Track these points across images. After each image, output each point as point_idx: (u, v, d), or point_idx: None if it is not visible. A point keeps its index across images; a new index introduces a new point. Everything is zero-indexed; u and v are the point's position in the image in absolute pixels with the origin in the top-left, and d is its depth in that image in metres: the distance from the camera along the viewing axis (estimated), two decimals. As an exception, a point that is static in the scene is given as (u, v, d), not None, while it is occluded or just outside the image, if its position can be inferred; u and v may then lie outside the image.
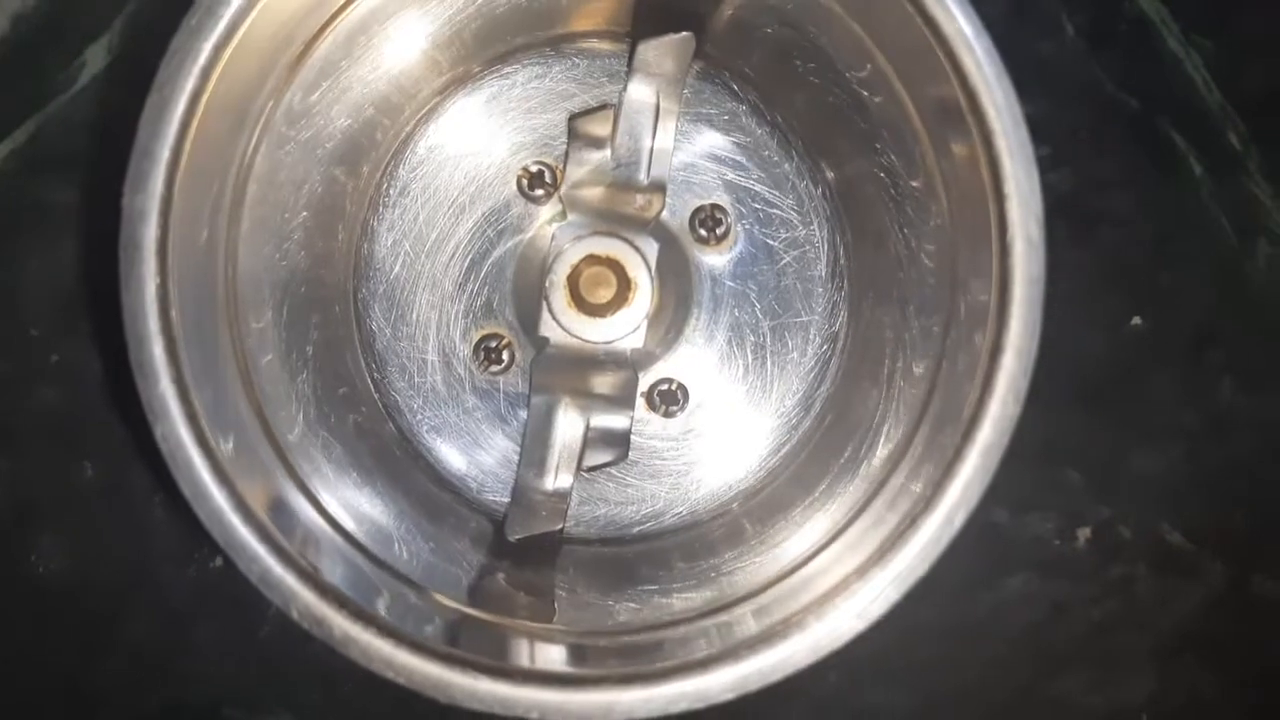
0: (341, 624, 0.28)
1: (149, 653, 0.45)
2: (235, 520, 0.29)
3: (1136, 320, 0.46)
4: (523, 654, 0.33)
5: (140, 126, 0.29)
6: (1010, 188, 0.29)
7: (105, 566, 0.45)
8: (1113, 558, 0.45)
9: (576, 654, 0.34)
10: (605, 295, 0.39)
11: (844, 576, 0.31)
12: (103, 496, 0.45)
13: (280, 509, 0.33)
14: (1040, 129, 0.45)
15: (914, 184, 0.36)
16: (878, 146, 0.37)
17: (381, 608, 0.31)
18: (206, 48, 0.29)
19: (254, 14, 0.30)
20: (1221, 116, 0.45)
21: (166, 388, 0.29)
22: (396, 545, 0.37)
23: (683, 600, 0.37)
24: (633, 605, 0.38)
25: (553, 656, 0.33)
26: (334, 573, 0.31)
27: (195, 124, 0.30)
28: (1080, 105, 0.45)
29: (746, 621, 0.32)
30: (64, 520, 0.45)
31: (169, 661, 0.45)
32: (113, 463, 0.45)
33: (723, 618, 0.34)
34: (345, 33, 0.35)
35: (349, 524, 0.35)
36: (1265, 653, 0.46)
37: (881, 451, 0.36)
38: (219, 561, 0.44)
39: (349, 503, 0.36)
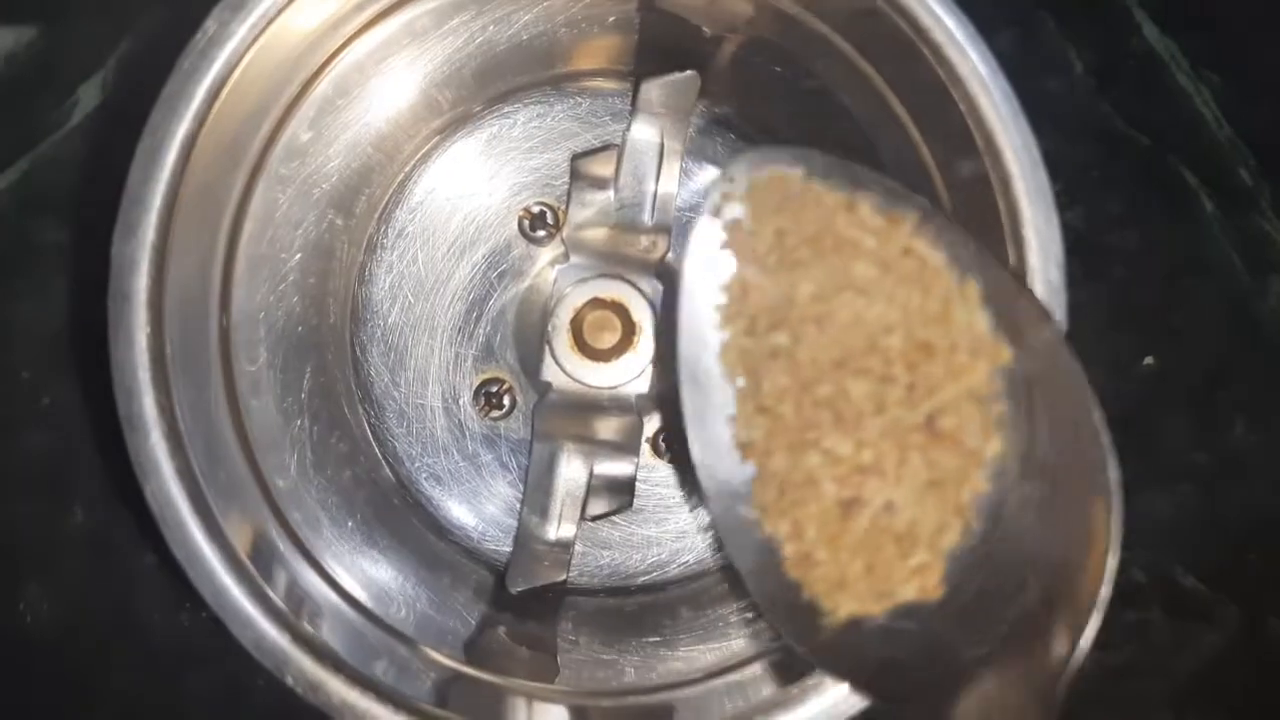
0: (339, 689, 0.27)
1: (139, 703, 0.44)
2: (228, 582, 0.28)
3: (1148, 360, 0.45)
4: (521, 716, 0.32)
5: (131, 172, 0.28)
6: (1029, 232, 0.28)
7: (94, 614, 0.44)
8: (1127, 602, 0.44)
9: (579, 716, 0.32)
10: (609, 339, 0.38)
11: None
12: (92, 542, 0.44)
13: (273, 565, 0.31)
14: (1050, 167, 0.44)
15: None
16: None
17: (378, 668, 0.30)
18: (200, 91, 0.29)
19: (249, 55, 0.30)
20: (1232, 152, 0.45)
21: (157, 442, 0.28)
22: (393, 599, 0.35)
23: (690, 655, 0.36)
24: (638, 658, 0.36)
25: (553, 719, 0.33)
26: (328, 631, 0.30)
27: (189, 168, 0.29)
28: (1090, 142, 0.45)
29: (759, 684, 0.31)
30: (52, 567, 0.44)
31: (159, 712, 0.44)
32: (102, 508, 0.44)
33: (733, 677, 0.33)
34: (343, 72, 0.35)
35: (344, 579, 0.34)
36: (1283, 698, 0.45)
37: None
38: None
39: (344, 556, 0.35)
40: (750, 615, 0.36)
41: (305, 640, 0.28)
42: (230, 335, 0.33)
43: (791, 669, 0.30)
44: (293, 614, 0.29)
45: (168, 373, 0.29)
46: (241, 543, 0.29)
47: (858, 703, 0.28)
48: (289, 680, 0.28)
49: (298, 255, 0.37)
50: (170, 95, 0.28)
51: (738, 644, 0.35)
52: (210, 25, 0.28)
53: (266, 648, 0.28)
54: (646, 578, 0.40)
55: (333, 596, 0.33)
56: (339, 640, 0.30)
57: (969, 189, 0.32)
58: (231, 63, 0.29)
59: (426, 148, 0.40)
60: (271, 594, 0.28)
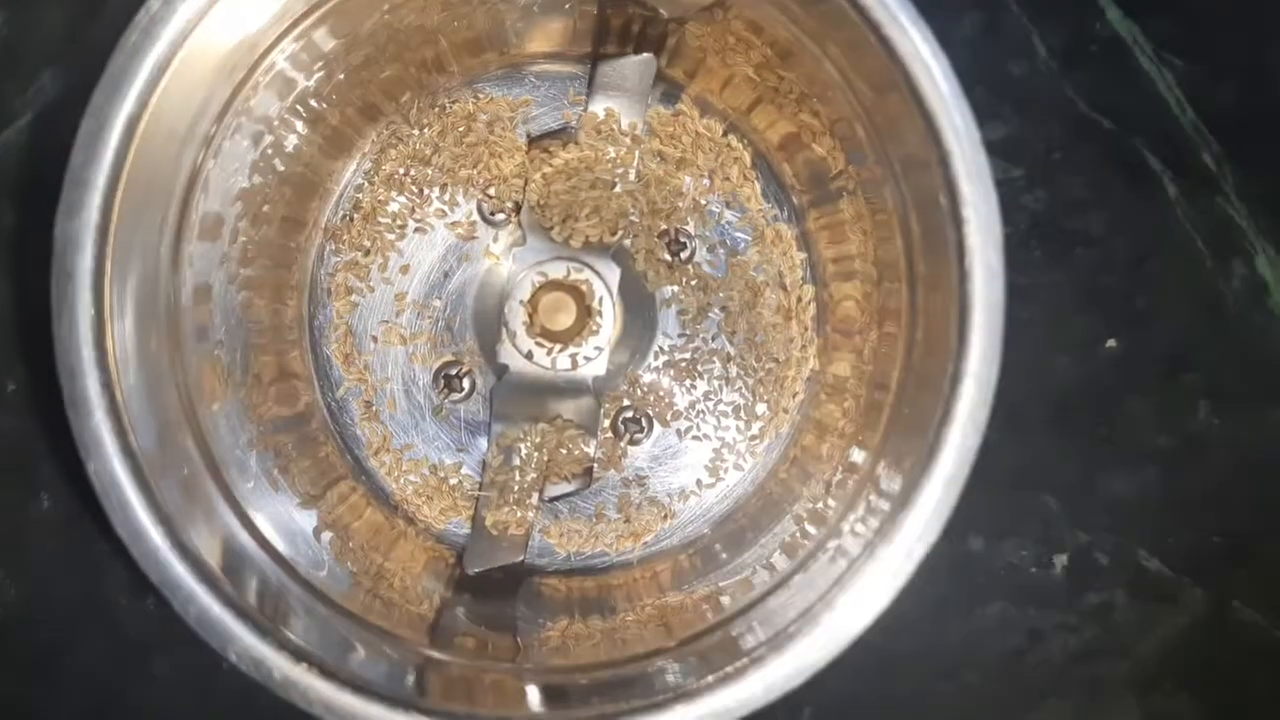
0: (281, 665, 0.27)
1: (105, 688, 0.44)
2: (171, 559, 0.28)
3: (1111, 343, 0.45)
4: (488, 695, 0.32)
5: (73, 152, 0.28)
6: (969, 212, 0.28)
7: (61, 599, 0.44)
8: (1090, 585, 0.45)
9: (549, 693, 0.32)
10: (565, 321, 0.38)
11: (805, 609, 0.30)
12: (58, 527, 0.44)
13: (227, 549, 0.31)
14: (1013, 150, 0.45)
15: (877, 209, 0.35)
16: (840, 171, 0.37)
17: (351, 659, 0.30)
18: (145, 69, 0.29)
19: (197, 33, 0.29)
20: (1195, 136, 0.45)
21: (100, 421, 0.28)
22: (352, 584, 0.35)
23: (651, 631, 0.36)
24: (600, 638, 0.37)
25: (523, 696, 0.32)
26: (297, 624, 0.30)
27: (135, 147, 0.29)
28: (1053, 126, 0.45)
29: (712, 656, 0.31)
30: (18, 552, 0.44)
31: (125, 697, 0.44)
32: (68, 493, 0.44)
33: (690, 650, 0.33)
34: (298, 51, 0.34)
35: (301, 564, 0.34)
36: (1246, 680, 0.45)
37: (849, 479, 0.35)
38: (177, 594, 0.43)
39: (301, 540, 0.35)
40: (706, 589, 0.37)
41: (249, 616, 0.28)
42: (183, 315, 0.33)
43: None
44: (240, 595, 0.29)
45: (114, 353, 0.29)
46: (189, 522, 0.29)
47: (795, 679, 0.28)
48: (232, 657, 0.28)
49: (255, 235, 0.36)
50: (113, 75, 0.28)
51: (696, 618, 0.35)
52: (154, 3, 0.28)
53: (209, 623, 0.28)
54: (606, 558, 0.40)
55: (293, 585, 0.33)
56: (311, 632, 0.30)
57: (915, 174, 0.32)
58: (176, 41, 0.29)
59: (387, 130, 0.40)
60: (219, 573, 0.29)
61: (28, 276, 0.44)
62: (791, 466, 0.39)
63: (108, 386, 0.28)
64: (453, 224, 0.40)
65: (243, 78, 0.32)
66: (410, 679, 0.31)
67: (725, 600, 0.35)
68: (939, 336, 0.30)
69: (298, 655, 0.28)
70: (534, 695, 0.32)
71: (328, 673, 0.28)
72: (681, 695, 0.29)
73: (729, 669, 0.29)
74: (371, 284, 0.40)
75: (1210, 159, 0.45)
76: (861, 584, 0.29)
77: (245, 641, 0.28)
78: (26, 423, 0.44)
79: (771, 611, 0.32)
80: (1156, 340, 0.45)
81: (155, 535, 0.28)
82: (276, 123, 0.35)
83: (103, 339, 0.28)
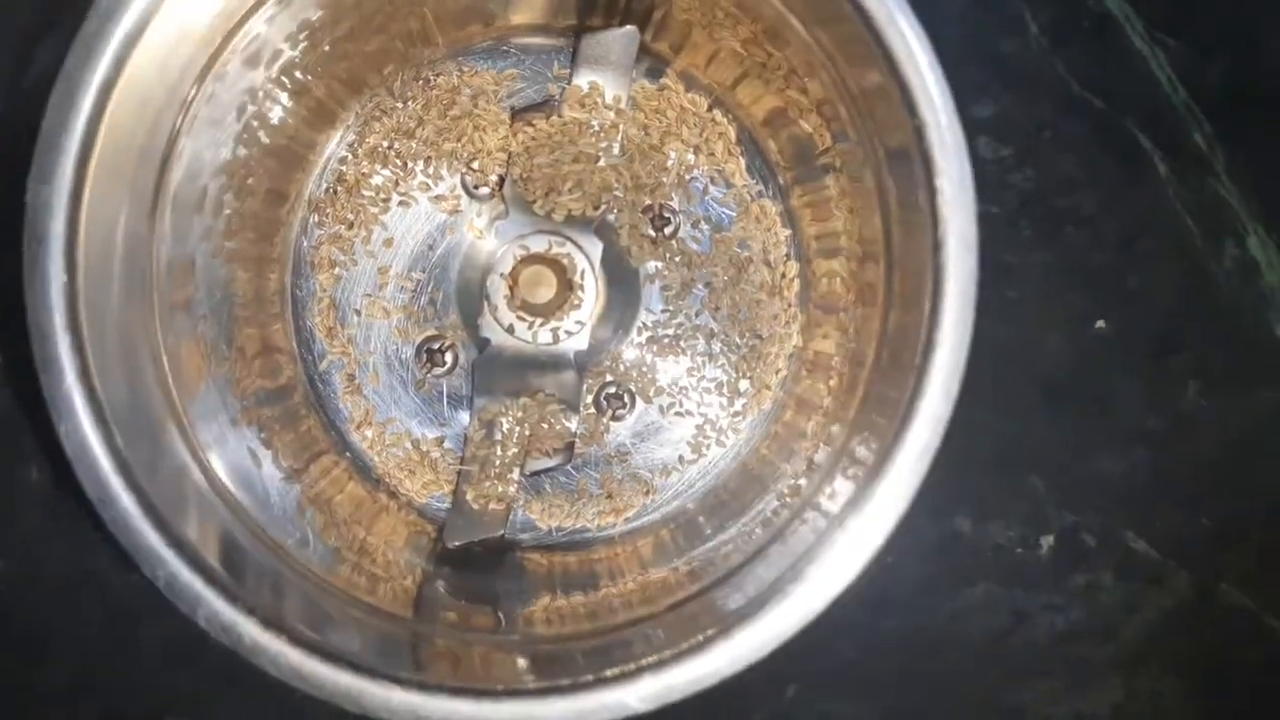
0: (250, 631, 0.27)
1: (92, 659, 0.44)
2: (143, 525, 0.28)
3: (1101, 323, 0.45)
4: (472, 665, 0.32)
5: (45, 117, 0.28)
6: (942, 182, 0.28)
7: (50, 570, 0.44)
8: (1077, 566, 0.44)
9: (537, 662, 0.32)
10: (545, 295, 0.38)
11: (780, 576, 0.30)
12: (47, 500, 0.44)
13: (204, 520, 0.31)
14: (1003, 129, 0.45)
15: (857, 183, 0.35)
16: (826, 148, 0.37)
17: (323, 625, 0.30)
18: (118, 34, 0.28)
19: (172, -3, 0.29)
20: (1187, 116, 0.44)
21: (72, 384, 0.28)
22: (332, 557, 0.35)
23: (633, 603, 0.36)
24: (582, 612, 0.37)
25: (507, 665, 0.33)
26: (281, 594, 0.30)
27: (109, 111, 0.29)
28: (1044, 104, 0.45)
29: (691, 624, 0.31)
30: (8, 523, 0.44)
31: (112, 668, 0.44)
32: (58, 465, 0.44)
33: (670, 617, 0.33)
34: (284, 21, 0.34)
35: (281, 536, 0.34)
36: (1232, 662, 0.45)
37: (826, 453, 0.35)
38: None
39: (280, 512, 0.35)
40: (690, 563, 0.37)
41: (219, 582, 0.28)
42: (165, 288, 0.33)
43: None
44: (212, 560, 0.29)
45: (84, 319, 0.29)
46: (161, 490, 0.29)
47: (763, 649, 0.28)
48: (202, 621, 0.28)
49: (235, 205, 0.36)
50: (86, 38, 0.28)
51: (676, 586, 0.35)
52: (127, -34, 0.28)
53: (179, 588, 0.28)
54: (588, 533, 0.40)
55: (273, 559, 0.33)
56: (293, 603, 0.30)
57: (891, 146, 0.31)
58: (151, 5, 0.29)
59: (371, 105, 0.40)
60: (192, 540, 0.29)
61: (6, 250, 0.44)
62: (773, 443, 0.39)
63: (79, 350, 0.28)
64: (436, 198, 0.40)
65: (220, 44, 0.32)
66: (392, 650, 0.31)
67: (705, 572, 0.35)
68: (913, 315, 0.30)
69: (268, 621, 0.28)
70: (521, 664, 0.32)
71: (298, 640, 0.28)
72: (664, 661, 0.29)
73: (707, 635, 0.29)
74: (355, 257, 0.40)
75: (1201, 139, 0.45)
76: (834, 552, 0.29)
77: (214, 606, 0.28)
78: (16, 394, 0.44)
79: (750, 580, 0.32)
80: (1146, 321, 0.45)
81: (125, 500, 0.28)
82: (260, 94, 0.35)
83: (75, 303, 0.28)
